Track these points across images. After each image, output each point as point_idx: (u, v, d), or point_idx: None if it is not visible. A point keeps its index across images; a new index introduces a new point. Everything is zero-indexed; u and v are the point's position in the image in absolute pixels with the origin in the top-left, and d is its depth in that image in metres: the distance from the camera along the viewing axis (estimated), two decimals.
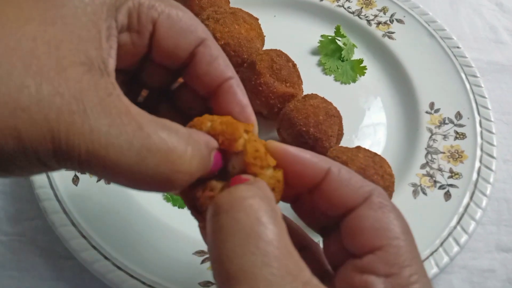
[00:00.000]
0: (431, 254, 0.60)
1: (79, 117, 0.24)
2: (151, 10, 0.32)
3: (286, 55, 0.71)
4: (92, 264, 0.57)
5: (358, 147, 0.63)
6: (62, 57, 0.25)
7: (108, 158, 0.25)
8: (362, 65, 0.80)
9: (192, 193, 0.33)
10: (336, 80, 0.80)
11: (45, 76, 0.24)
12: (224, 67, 0.35)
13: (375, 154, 0.63)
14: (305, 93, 0.72)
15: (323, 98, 0.68)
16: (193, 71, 0.35)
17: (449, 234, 0.61)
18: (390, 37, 0.83)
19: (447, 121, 0.73)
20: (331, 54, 0.82)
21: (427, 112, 0.74)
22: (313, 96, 0.67)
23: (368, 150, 0.63)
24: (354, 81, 0.80)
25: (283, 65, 0.70)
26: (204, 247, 0.60)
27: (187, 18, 0.34)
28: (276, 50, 0.72)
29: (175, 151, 0.27)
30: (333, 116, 0.66)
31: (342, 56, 0.81)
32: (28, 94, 0.23)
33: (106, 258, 0.57)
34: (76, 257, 0.58)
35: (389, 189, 0.60)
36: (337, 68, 0.81)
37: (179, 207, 0.65)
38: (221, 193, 0.28)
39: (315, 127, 0.64)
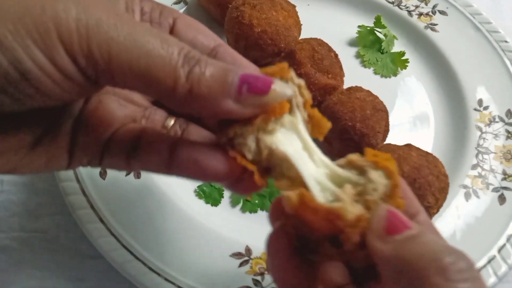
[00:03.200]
0: (489, 262, 0.55)
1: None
2: (172, 11, 0.37)
3: (327, 45, 0.67)
4: (123, 265, 0.52)
5: (409, 145, 0.59)
6: None
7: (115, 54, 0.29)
8: (403, 58, 0.75)
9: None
10: (376, 73, 0.75)
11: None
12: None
13: (428, 153, 0.58)
14: (344, 86, 0.67)
15: (368, 91, 0.63)
16: None
17: (508, 241, 0.56)
18: (432, 29, 0.78)
19: (497, 119, 0.68)
20: (370, 45, 0.77)
21: (475, 109, 0.69)
22: (358, 89, 0.63)
23: (419, 149, 0.58)
24: (395, 74, 0.75)
25: (325, 55, 0.65)
26: (241, 248, 0.55)
27: (201, 25, 0.39)
28: (316, 39, 0.67)
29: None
30: (381, 111, 0.61)
31: (382, 48, 0.76)
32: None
33: (137, 258, 0.53)
34: (105, 257, 0.54)
35: (444, 191, 0.56)
36: (377, 61, 0.76)
37: (212, 205, 0.61)
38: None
39: (361, 122, 0.59)
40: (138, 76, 0.29)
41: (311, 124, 0.35)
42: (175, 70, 0.30)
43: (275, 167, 0.34)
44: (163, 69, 0.30)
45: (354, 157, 0.34)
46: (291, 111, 0.34)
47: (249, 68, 0.37)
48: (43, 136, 0.34)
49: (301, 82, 0.34)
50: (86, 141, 0.36)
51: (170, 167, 0.35)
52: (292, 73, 0.34)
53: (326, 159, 0.35)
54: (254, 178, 0.34)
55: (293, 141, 0.34)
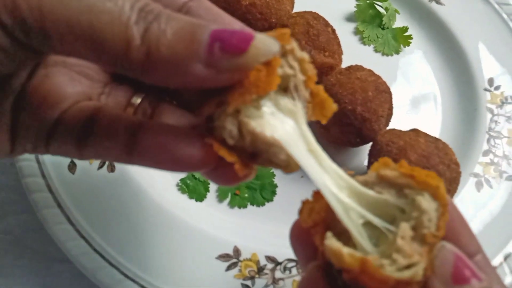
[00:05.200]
0: (505, 259, 0.50)
1: None
2: None
3: (323, 19, 0.60)
4: (94, 272, 0.46)
5: (416, 130, 0.52)
6: None
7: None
8: (406, 34, 0.69)
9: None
10: (376, 51, 0.69)
11: None
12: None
13: (437, 139, 0.52)
14: (342, 65, 0.61)
15: (370, 71, 0.56)
16: None
17: None
18: (437, 2, 0.71)
19: (509, 100, 0.62)
20: (370, 20, 0.70)
21: (486, 90, 0.63)
22: (359, 68, 0.56)
23: (428, 134, 0.52)
24: (397, 52, 0.69)
25: (321, 30, 0.58)
26: (229, 249, 0.49)
27: None
28: (311, 12, 0.60)
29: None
30: (384, 92, 0.55)
31: (383, 23, 0.69)
32: None
33: (111, 264, 0.47)
34: (74, 263, 0.47)
35: (455, 182, 0.50)
36: (377, 37, 0.69)
37: (196, 200, 0.54)
38: None
39: (363, 105, 0.53)
40: (80, 38, 0.23)
41: (313, 104, 0.29)
42: (127, 28, 0.24)
43: (262, 153, 0.29)
44: (111, 28, 0.23)
45: (388, 172, 0.29)
46: (287, 91, 0.28)
47: (231, 25, 0.31)
48: None
49: (304, 55, 0.28)
50: (29, 123, 0.30)
51: (131, 155, 0.29)
52: (294, 43, 0.28)
53: (340, 171, 0.29)
54: (235, 168, 0.28)
55: (290, 129, 0.28)
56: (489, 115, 0.61)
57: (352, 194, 0.29)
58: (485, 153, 0.58)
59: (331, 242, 0.27)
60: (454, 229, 0.28)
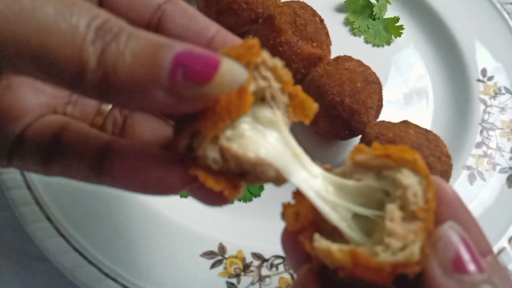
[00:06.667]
0: (498, 253, 0.48)
1: None
2: None
3: (311, 8, 0.58)
4: (73, 271, 0.45)
5: (406, 122, 0.51)
6: None
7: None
8: (397, 24, 0.67)
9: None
10: (367, 42, 0.67)
11: None
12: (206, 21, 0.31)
13: (427, 130, 0.50)
14: (331, 56, 0.59)
15: (359, 61, 0.55)
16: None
17: None
18: None
19: (503, 91, 0.61)
20: (361, 11, 0.69)
21: (478, 80, 0.62)
22: (347, 58, 0.54)
23: (418, 126, 0.50)
24: (388, 43, 0.67)
25: (308, 20, 0.56)
26: (214, 246, 0.48)
27: None
28: (299, 1, 0.59)
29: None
30: (373, 83, 0.53)
31: (374, 13, 0.68)
32: None
33: (91, 263, 0.45)
34: (53, 261, 0.46)
35: (447, 174, 0.48)
36: (368, 28, 0.68)
37: (180, 196, 0.53)
38: None
39: (351, 97, 0.51)
40: (31, 60, 0.21)
41: (293, 107, 0.29)
42: (81, 50, 0.21)
43: (249, 172, 0.27)
44: (64, 50, 0.21)
45: (362, 157, 0.28)
46: (264, 101, 0.27)
47: (205, 30, 0.29)
48: None
49: (276, 62, 0.27)
50: None
51: (100, 176, 0.27)
52: (264, 54, 0.26)
53: (322, 170, 0.29)
54: (225, 194, 0.27)
55: (273, 141, 0.27)
56: (482, 106, 0.60)
57: (335, 190, 0.28)
58: (478, 145, 0.57)
59: (320, 243, 0.26)
60: (463, 226, 0.27)
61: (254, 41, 0.26)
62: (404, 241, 0.25)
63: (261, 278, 0.47)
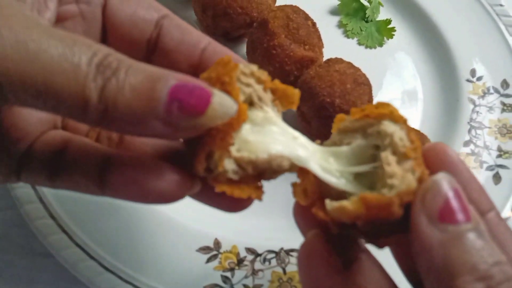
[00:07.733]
0: None
1: None
2: None
3: (304, 12, 0.60)
4: (75, 265, 0.47)
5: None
6: None
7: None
8: (390, 26, 0.69)
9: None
10: (360, 43, 0.69)
11: None
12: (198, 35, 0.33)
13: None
14: (324, 59, 0.61)
15: (349, 63, 0.57)
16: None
17: None
18: None
19: (491, 91, 0.63)
20: (354, 13, 0.71)
21: (468, 80, 0.63)
22: (338, 61, 0.56)
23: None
24: (380, 45, 0.69)
25: (301, 23, 0.58)
26: (209, 242, 0.50)
27: None
28: (292, 6, 0.60)
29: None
30: (363, 84, 0.55)
31: (367, 16, 0.70)
32: None
33: (92, 257, 0.47)
34: (56, 256, 0.48)
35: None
36: (361, 30, 0.69)
37: None
38: None
39: (341, 98, 0.53)
40: (37, 97, 0.23)
41: (278, 99, 0.32)
42: (84, 88, 0.23)
43: (266, 170, 0.30)
44: (68, 88, 0.23)
45: (345, 123, 0.31)
46: (253, 104, 0.31)
47: (198, 45, 0.32)
48: None
49: (252, 67, 0.30)
50: None
51: (103, 189, 0.29)
52: (239, 65, 0.29)
53: (316, 145, 0.32)
54: (253, 198, 0.30)
55: (275, 135, 0.30)
56: (470, 106, 0.61)
57: (334, 159, 0.31)
58: (466, 144, 0.58)
59: (332, 204, 0.29)
60: (463, 183, 0.27)
61: (226, 58, 0.28)
62: (404, 179, 0.27)
63: (254, 272, 0.49)
